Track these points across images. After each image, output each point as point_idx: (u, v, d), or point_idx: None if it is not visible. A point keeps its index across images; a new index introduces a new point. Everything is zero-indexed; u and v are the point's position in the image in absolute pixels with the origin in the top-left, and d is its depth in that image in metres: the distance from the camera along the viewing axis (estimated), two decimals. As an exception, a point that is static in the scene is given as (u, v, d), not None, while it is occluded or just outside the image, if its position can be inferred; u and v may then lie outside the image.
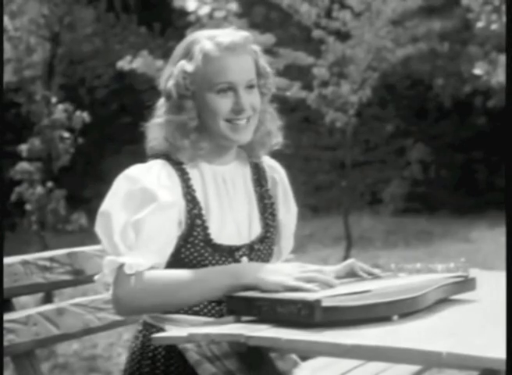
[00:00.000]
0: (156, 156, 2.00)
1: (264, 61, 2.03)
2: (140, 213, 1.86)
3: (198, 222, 1.95)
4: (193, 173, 1.99)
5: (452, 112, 12.03)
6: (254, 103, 1.99)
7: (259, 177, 2.11)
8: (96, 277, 1.91)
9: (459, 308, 1.85)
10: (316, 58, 6.66)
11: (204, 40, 1.97)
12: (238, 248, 1.99)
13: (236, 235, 2.00)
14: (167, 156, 2.00)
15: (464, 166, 12.02)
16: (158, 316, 1.97)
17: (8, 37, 5.79)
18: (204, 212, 1.96)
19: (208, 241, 1.95)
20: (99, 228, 1.89)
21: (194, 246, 1.94)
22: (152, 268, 1.84)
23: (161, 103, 2.03)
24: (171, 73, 1.99)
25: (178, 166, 1.98)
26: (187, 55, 1.98)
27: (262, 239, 2.04)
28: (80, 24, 10.78)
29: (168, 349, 1.94)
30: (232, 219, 2.00)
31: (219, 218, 1.98)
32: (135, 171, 1.94)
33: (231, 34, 1.98)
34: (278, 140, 2.10)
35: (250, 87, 1.98)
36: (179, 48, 2.01)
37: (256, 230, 2.04)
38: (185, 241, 1.94)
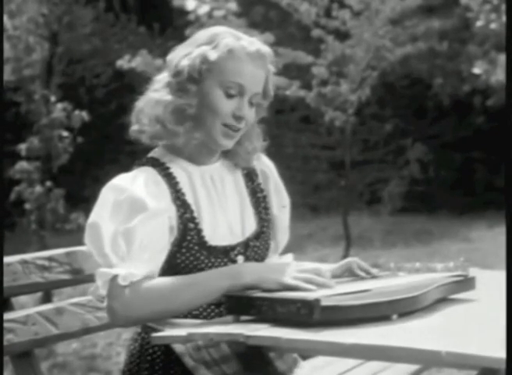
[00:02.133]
0: (141, 163, 1.98)
1: (272, 83, 2.02)
2: (129, 223, 1.83)
3: (191, 226, 1.93)
4: (180, 177, 1.96)
5: (451, 112, 12.02)
6: (250, 117, 1.98)
7: (249, 172, 2.10)
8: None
9: (458, 307, 1.85)
10: (315, 58, 6.65)
11: (230, 36, 1.95)
12: (233, 248, 1.97)
13: (229, 234, 1.98)
14: (152, 162, 1.97)
15: (463, 165, 12.01)
16: (157, 319, 1.96)
17: (7, 37, 5.77)
18: (195, 214, 1.94)
19: (202, 243, 1.93)
20: (88, 240, 1.86)
21: (189, 250, 1.92)
22: (146, 277, 1.81)
23: (162, 78, 2.00)
24: (189, 53, 1.95)
25: (164, 171, 1.95)
26: (212, 43, 1.95)
27: (258, 235, 2.03)
28: (79, 23, 10.77)
29: (167, 352, 1.93)
30: (224, 219, 1.99)
31: (211, 219, 1.96)
32: (121, 180, 1.91)
33: (257, 44, 1.97)
34: (258, 158, 2.11)
35: (253, 101, 1.97)
36: (203, 35, 1.98)
37: (250, 226, 2.03)
38: (179, 246, 1.92)
